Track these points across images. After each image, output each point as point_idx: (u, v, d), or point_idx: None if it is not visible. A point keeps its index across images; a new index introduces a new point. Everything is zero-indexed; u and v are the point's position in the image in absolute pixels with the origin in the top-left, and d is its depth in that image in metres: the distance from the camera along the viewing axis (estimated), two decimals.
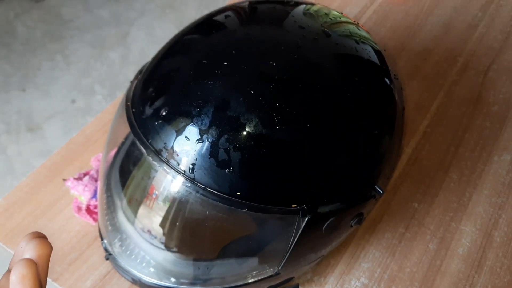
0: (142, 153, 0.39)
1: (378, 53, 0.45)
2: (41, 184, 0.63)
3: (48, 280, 0.55)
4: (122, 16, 1.95)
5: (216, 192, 0.37)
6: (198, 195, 0.37)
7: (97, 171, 0.61)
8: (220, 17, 0.44)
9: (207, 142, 0.37)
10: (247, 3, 0.46)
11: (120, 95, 0.47)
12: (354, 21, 0.47)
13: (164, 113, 0.39)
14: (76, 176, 0.60)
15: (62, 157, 0.66)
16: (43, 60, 1.77)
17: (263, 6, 0.46)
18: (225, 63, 0.38)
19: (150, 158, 0.39)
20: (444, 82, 0.78)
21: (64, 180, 0.61)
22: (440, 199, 0.63)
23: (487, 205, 0.62)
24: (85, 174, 0.61)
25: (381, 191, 0.43)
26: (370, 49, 0.45)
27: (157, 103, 0.40)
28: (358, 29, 0.46)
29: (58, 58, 1.78)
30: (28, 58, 1.77)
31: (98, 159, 0.64)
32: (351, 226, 0.44)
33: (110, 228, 0.50)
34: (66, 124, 1.57)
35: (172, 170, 0.38)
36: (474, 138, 0.70)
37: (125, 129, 0.42)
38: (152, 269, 0.48)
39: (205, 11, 0.47)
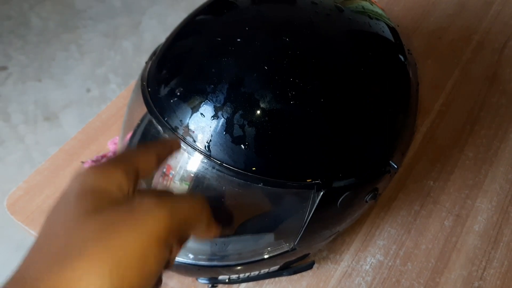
0: (158, 131, 0.40)
1: (391, 29, 0.45)
2: (60, 167, 0.64)
3: None
4: (134, 5, 1.96)
5: (232, 168, 0.37)
6: (214, 171, 0.38)
7: (114, 154, 0.63)
8: None
9: (222, 119, 0.37)
10: None
11: (134, 82, 0.48)
12: None
13: (179, 91, 0.39)
14: (94, 159, 0.62)
15: (79, 141, 0.67)
16: (57, 50, 1.79)
17: None
18: (238, 40, 0.39)
19: (166, 136, 0.39)
20: (459, 61, 0.77)
21: (82, 162, 0.62)
22: (456, 176, 0.63)
23: (503, 181, 0.62)
24: (102, 157, 0.62)
25: (395, 167, 0.43)
26: (383, 24, 0.44)
27: (172, 82, 0.40)
28: (372, 5, 0.46)
29: (72, 48, 1.80)
30: (43, 49, 1.79)
31: (114, 142, 0.65)
32: (366, 202, 0.44)
33: None
34: (81, 113, 1.59)
35: (188, 147, 0.38)
36: (490, 116, 0.70)
37: (141, 109, 0.43)
38: None
39: None
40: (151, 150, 0.32)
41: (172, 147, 0.35)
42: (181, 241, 0.30)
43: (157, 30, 1.87)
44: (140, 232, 0.24)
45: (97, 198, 0.25)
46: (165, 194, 0.29)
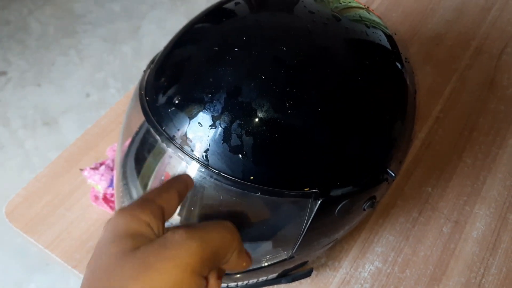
0: (156, 140, 0.40)
1: (388, 37, 0.45)
2: (58, 174, 0.64)
3: (67, 267, 0.56)
4: (134, 9, 1.96)
5: (229, 177, 0.37)
6: (212, 180, 0.38)
7: (112, 161, 0.63)
8: (230, 5, 0.45)
9: (220, 128, 0.37)
10: None
11: (133, 88, 0.48)
12: (365, 6, 0.47)
13: (177, 100, 0.39)
14: (92, 166, 0.62)
15: (78, 148, 0.67)
16: (57, 55, 1.79)
17: None
18: (236, 50, 0.39)
19: (164, 145, 0.39)
20: (457, 67, 0.77)
21: (81, 170, 0.62)
22: (454, 183, 0.63)
23: (502, 188, 0.62)
24: (101, 164, 0.62)
25: (393, 175, 0.43)
26: (380, 33, 0.45)
27: (170, 91, 0.40)
28: (369, 13, 0.46)
29: (71, 53, 1.80)
30: (43, 54, 1.80)
31: (113, 149, 0.65)
32: (364, 210, 0.44)
33: None
34: (81, 118, 1.60)
35: (186, 156, 0.38)
36: (488, 122, 0.70)
37: (139, 118, 0.43)
38: None
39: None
40: (172, 189, 0.33)
41: (188, 184, 0.36)
42: (219, 273, 0.31)
43: (156, 35, 1.87)
44: (174, 265, 0.25)
45: (131, 239, 0.27)
46: (195, 225, 0.30)
